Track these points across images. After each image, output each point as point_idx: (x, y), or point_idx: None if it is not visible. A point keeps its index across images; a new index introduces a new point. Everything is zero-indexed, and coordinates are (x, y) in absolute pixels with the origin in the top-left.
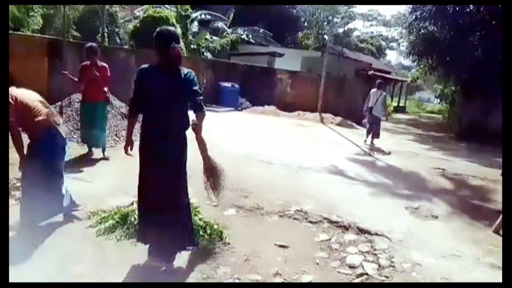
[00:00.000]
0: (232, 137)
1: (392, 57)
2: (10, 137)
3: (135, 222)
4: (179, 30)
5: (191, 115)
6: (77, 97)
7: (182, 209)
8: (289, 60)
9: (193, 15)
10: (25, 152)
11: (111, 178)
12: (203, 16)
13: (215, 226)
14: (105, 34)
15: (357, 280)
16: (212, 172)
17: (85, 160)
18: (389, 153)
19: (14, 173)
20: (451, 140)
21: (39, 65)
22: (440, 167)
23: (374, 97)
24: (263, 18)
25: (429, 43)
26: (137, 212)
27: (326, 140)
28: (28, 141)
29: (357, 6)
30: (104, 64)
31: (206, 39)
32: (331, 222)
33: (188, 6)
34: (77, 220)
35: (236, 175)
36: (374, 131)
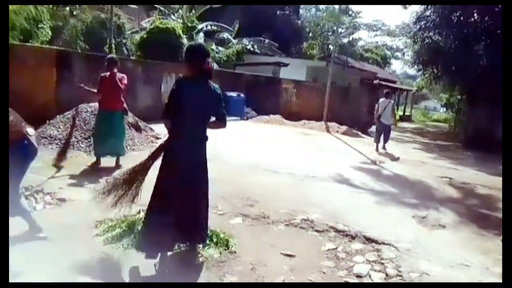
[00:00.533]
0: (237, 146)
1: (397, 66)
2: None
3: (142, 232)
4: (185, 41)
5: None
6: (84, 107)
7: (201, 209)
8: (294, 70)
9: (199, 26)
10: None
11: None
12: (209, 27)
13: (221, 235)
14: (113, 45)
15: None
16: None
17: (94, 169)
18: (398, 158)
19: None
20: (458, 149)
21: (48, 76)
22: (447, 176)
23: (383, 105)
24: (268, 29)
25: (434, 53)
26: (144, 221)
27: (331, 149)
28: None
29: (362, 16)
30: (123, 75)
31: (212, 49)
32: (337, 231)
33: (194, 18)
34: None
35: (241, 183)
36: (385, 137)
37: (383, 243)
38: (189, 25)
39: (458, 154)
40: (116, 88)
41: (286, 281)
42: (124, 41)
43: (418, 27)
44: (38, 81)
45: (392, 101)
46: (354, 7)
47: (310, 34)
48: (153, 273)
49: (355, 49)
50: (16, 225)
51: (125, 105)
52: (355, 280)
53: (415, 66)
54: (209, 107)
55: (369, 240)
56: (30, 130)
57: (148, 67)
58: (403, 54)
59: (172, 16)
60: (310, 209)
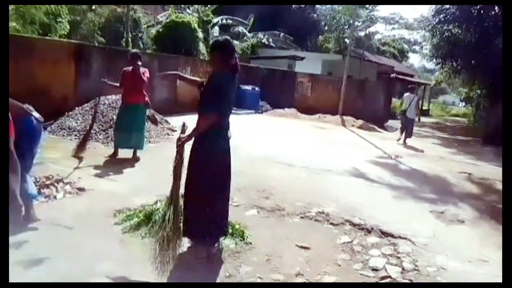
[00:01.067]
0: (252, 139)
1: (415, 60)
2: None
3: (181, 219)
4: (200, 35)
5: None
6: (102, 99)
7: (228, 200)
8: (309, 63)
9: (214, 20)
10: None
11: (135, 178)
12: (224, 21)
13: (237, 226)
14: (129, 39)
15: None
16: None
17: (112, 161)
18: (422, 151)
19: None
20: (477, 144)
21: (67, 69)
22: (466, 171)
23: (407, 100)
24: (283, 22)
25: (453, 46)
26: (183, 209)
27: (347, 143)
28: None
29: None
30: (145, 69)
31: None
32: (353, 224)
33: (209, 12)
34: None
35: (256, 176)
36: (407, 131)
37: (400, 237)
38: (204, 19)
39: (477, 149)
40: (139, 82)
41: (302, 272)
42: (140, 35)
43: (437, 20)
44: (58, 74)
45: (417, 96)
46: None
47: (326, 28)
48: (175, 262)
49: (372, 42)
50: (40, 211)
51: (147, 98)
52: (370, 273)
53: (434, 60)
54: (235, 100)
55: (385, 234)
56: (28, 106)
57: (163, 61)
58: (421, 47)
59: (188, 10)
60: (325, 202)
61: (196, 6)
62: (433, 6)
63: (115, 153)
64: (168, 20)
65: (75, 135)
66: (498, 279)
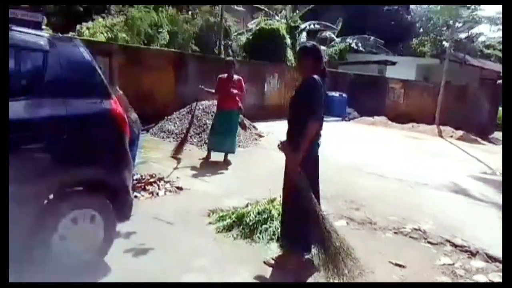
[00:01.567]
0: (339, 146)
1: None
2: None
3: (279, 227)
4: (288, 41)
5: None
6: (198, 105)
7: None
8: (402, 68)
9: (302, 26)
10: None
11: (227, 181)
12: (311, 26)
13: None
14: (222, 48)
15: None
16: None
17: (206, 163)
18: None
19: None
20: None
21: (168, 76)
22: None
23: None
24: (374, 26)
25: None
26: (282, 217)
27: (445, 155)
28: None
29: (483, 9)
30: (240, 77)
31: None
32: (454, 245)
33: (297, 17)
34: None
35: (344, 185)
36: None
37: None
38: (292, 25)
39: None
40: (233, 89)
41: None
42: (230, 42)
43: None
44: (161, 81)
45: None
46: None
47: (421, 30)
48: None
49: (474, 45)
50: (145, 207)
51: (240, 104)
52: None
53: None
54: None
55: (492, 258)
56: (133, 116)
57: (252, 68)
58: None
59: (276, 17)
60: (421, 218)
61: (284, 12)
62: None
63: (208, 156)
64: (258, 28)
65: (173, 138)
66: None
